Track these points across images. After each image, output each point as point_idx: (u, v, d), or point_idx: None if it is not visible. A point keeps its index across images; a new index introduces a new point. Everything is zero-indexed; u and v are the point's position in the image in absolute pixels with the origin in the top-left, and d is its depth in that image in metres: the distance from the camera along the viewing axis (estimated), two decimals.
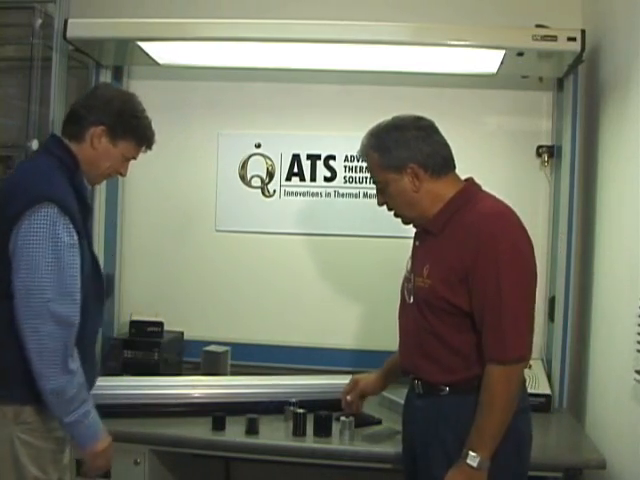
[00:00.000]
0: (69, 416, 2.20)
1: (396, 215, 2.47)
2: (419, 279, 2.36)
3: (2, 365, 2.22)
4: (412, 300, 2.40)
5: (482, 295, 2.22)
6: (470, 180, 2.46)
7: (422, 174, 2.35)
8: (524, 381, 2.37)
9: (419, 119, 2.42)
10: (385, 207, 2.47)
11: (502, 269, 2.21)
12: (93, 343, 2.45)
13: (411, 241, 2.50)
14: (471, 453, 2.18)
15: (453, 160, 2.43)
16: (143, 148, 2.48)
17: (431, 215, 2.38)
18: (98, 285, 2.42)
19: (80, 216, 2.28)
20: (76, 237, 2.21)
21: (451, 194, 2.38)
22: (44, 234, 2.15)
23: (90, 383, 2.40)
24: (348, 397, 2.72)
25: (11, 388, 2.22)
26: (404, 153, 2.35)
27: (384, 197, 2.44)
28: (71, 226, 2.20)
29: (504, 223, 2.29)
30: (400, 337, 2.49)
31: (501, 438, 2.21)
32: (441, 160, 2.39)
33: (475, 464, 2.18)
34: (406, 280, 2.47)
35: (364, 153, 2.45)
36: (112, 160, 2.42)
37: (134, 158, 2.49)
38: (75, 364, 2.19)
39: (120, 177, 2.60)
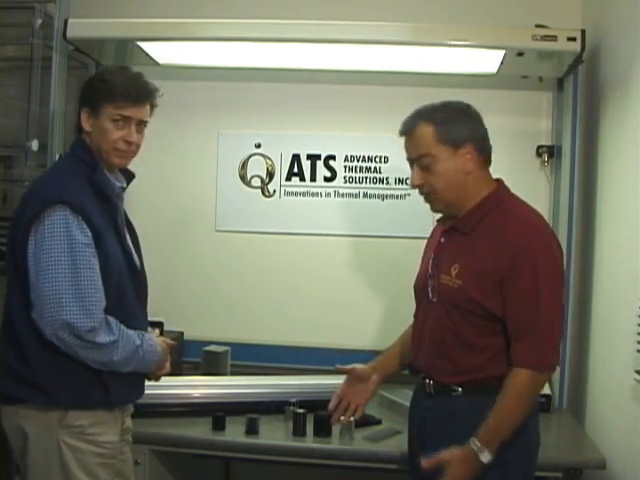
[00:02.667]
0: (128, 368, 2.28)
1: (428, 199, 2.38)
2: (446, 277, 2.31)
3: (43, 372, 2.21)
4: (436, 299, 2.35)
5: (519, 301, 2.21)
6: (501, 181, 2.42)
7: (477, 157, 2.31)
8: None
9: (470, 106, 2.37)
10: (417, 191, 2.39)
11: (540, 278, 2.20)
12: None
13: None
14: (485, 448, 2.18)
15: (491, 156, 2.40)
16: (122, 103, 2.33)
17: (468, 207, 2.33)
18: (137, 282, 2.40)
19: (103, 214, 2.28)
20: (91, 236, 2.21)
21: (487, 191, 2.34)
22: (59, 236, 2.16)
23: (140, 389, 2.45)
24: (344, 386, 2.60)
25: (54, 394, 2.22)
26: (465, 131, 2.30)
27: (424, 176, 2.32)
28: (85, 225, 2.20)
29: (542, 232, 2.28)
30: (415, 335, 2.45)
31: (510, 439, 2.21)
32: (489, 150, 2.38)
33: (486, 460, 2.18)
34: (428, 277, 2.39)
35: (413, 126, 2.33)
36: (103, 132, 2.33)
37: (123, 116, 2.33)
38: (107, 336, 2.19)
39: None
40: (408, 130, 2.35)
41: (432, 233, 2.56)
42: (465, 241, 2.32)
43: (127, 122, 2.35)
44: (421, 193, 2.39)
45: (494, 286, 2.22)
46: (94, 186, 2.30)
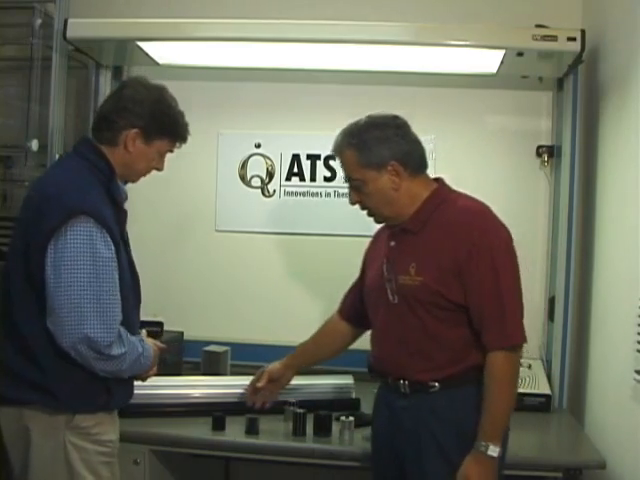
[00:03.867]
0: (129, 373, 2.33)
1: (369, 214, 2.48)
2: (405, 277, 2.36)
3: (55, 378, 2.23)
4: (397, 300, 2.39)
5: (480, 288, 2.27)
6: (441, 180, 2.50)
7: (402, 172, 2.38)
8: None
9: (396, 117, 2.44)
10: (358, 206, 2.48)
11: (498, 262, 2.28)
12: None
13: None
14: (491, 445, 2.22)
15: (426, 160, 2.47)
16: (177, 143, 2.48)
17: (408, 214, 2.40)
18: (136, 293, 2.44)
19: (117, 225, 2.29)
20: (114, 250, 2.22)
21: (427, 193, 2.42)
22: (82, 250, 2.16)
23: (131, 393, 2.49)
24: (259, 384, 2.84)
25: (65, 399, 2.24)
26: (385, 151, 2.36)
27: (359, 196, 2.44)
28: (108, 238, 2.21)
29: (491, 219, 2.37)
30: (377, 339, 2.50)
31: None
32: (418, 159, 2.44)
33: (495, 454, 2.22)
34: (385, 281, 2.43)
35: (339, 151, 2.44)
36: (148, 160, 2.42)
37: (171, 151, 2.49)
38: (120, 348, 2.22)
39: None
40: (336, 154, 2.47)
41: (375, 239, 2.65)
42: (416, 240, 2.39)
43: (167, 154, 2.48)
44: (361, 209, 2.48)
45: (454, 277, 2.29)
46: (110, 195, 2.31)
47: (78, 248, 2.15)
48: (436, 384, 2.33)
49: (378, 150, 2.36)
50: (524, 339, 2.31)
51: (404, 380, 2.38)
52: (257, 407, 2.87)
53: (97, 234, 2.17)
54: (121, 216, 2.39)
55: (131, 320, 2.34)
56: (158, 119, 2.37)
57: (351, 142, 2.39)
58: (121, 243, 2.31)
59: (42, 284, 2.16)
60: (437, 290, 2.30)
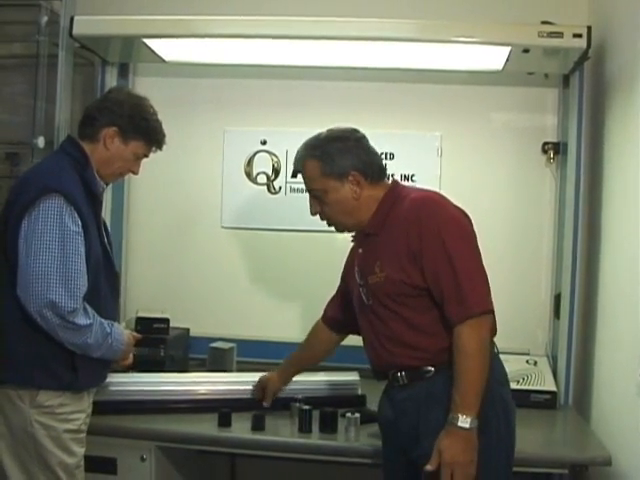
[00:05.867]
0: (98, 353, 2.42)
1: (329, 224, 2.57)
2: (373, 277, 2.44)
3: (15, 351, 2.35)
4: (370, 300, 2.46)
5: (434, 265, 2.32)
6: (394, 181, 2.60)
7: (363, 181, 2.48)
8: (495, 350, 2.45)
9: (355, 130, 2.54)
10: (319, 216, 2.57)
11: (445, 237, 2.32)
12: None
13: None
14: (460, 416, 2.22)
15: (386, 169, 2.58)
16: (153, 148, 2.62)
17: (367, 220, 2.49)
18: (111, 276, 2.56)
19: (89, 209, 2.44)
20: (81, 226, 2.36)
21: (381, 197, 2.49)
22: (52, 222, 2.31)
23: (102, 377, 2.61)
24: (265, 404, 2.95)
25: (24, 373, 2.34)
26: (347, 161, 2.46)
27: (319, 206, 2.53)
28: (76, 215, 2.35)
29: (437, 201, 2.43)
30: (367, 343, 2.55)
31: (484, 400, 2.25)
32: (378, 168, 2.53)
33: (467, 425, 2.22)
34: (359, 287, 2.52)
35: (302, 163, 2.53)
36: (124, 159, 2.57)
37: (146, 156, 2.63)
38: (85, 319, 2.33)
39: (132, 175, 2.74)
40: (298, 166, 2.56)
41: (350, 252, 2.71)
42: (378, 240, 2.46)
43: (142, 158, 2.64)
44: (322, 219, 2.58)
45: (411, 263, 2.35)
46: (84, 183, 2.46)
47: (47, 221, 2.31)
48: (431, 369, 2.37)
49: (340, 160, 2.46)
50: (486, 306, 2.31)
51: (401, 371, 2.42)
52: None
53: (66, 210, 2.33)
54: (96, 204, 2.52)
55: (102, 304, 2.46)
56: (136, 121, 2.54)
57: (314, 154, 2.49)
58: (93, 228, 2.44)
59: (15, 256, 2.31)
60: (400, 279, 2.36)
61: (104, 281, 2.49)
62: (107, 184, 2.63)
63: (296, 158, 2.57)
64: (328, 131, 2.54)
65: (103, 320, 2.42)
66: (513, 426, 2.42)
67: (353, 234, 2.61)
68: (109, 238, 2.65)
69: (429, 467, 2.23)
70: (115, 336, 2.46)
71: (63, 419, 2.39)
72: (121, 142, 2.53)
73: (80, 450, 2.46)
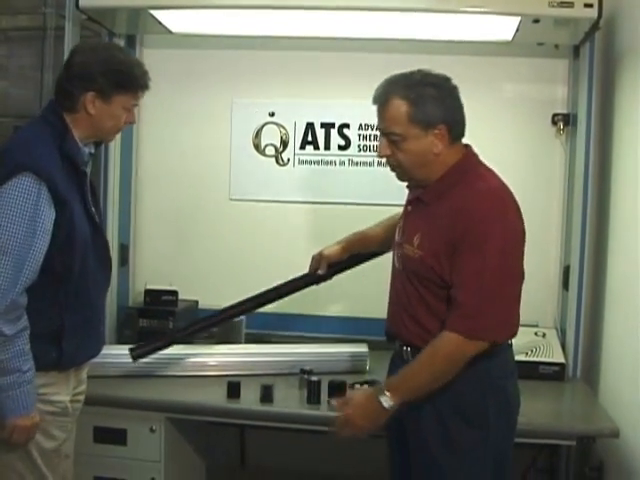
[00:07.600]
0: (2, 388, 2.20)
1: (393, 170, 2.40)
2: (409, 247, 2.34)
3: None
4: (401, 267, 2.40)
5: (463, 276, 2.21)
6: (469, 149, 2.40)
7: (447, 137, 2.29)
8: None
9: (448, 80, 2.33)
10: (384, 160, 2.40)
11: (487, 252, 2.18)
12: (97, 309, 2.45)
13: None
14: (387, 393, 2.22)
15: (465, 129, 2.39)
16: (140, 93, 2.43)
17: (431, 181, 2.34)
18: (99, 250, 2.42)
19: (70, 182, 2.29)
20: (53, 204, 2.20)
21: (451, 163, 2.33)
22: (20, 204, 2.16)
23: (94, 350, 2.47)
24: (320, 271, 2.89)
25: None
26: (439, 111, 2.27)
27: (392, 150, 2.32)
28: (48, 194, 2.19)
29: (499, 205, 2.26)
30: (390, 300, 2.50)
31: (483, 393, 2.26)
32: (462, 127, 2.36)
33: (386, 404, 2.21)
34: (397, 245, 2.44)
35: (387, 99, 2.30)
36: (114, 116, 2.38)
37: (135, 105, 2.44)
38: (13, 329, 2.16)
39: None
40: (381, 100, 2.33)
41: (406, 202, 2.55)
42: (427, 212, 2.34)
43: (134, 107, 2.44)
44: (388, 163, 2.39)
45: (447, 257, 2.24)
46: (63, 154, 2.30)
47: (15, 203, 2.15)
48: None
49: (433, 108, 2.26)
50: (490, 338, 2.22)
51: (407, 346, 2.38)
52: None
53: (35, 189, 2.17)
54: (77, 175, 2.35)
55: (90, 281, 2.35)
56: (111, 77, 2.33)
57: (407, 95, 2.26)
58: (76, 203, 2.30)
59: None
60: (431, 266, 2.26)
61: (92, 257, 2.35)
62: (107, 142, 2.48)
63: (380, 90, 2.33)
64: (421, 73, 2.30)
65: (31, 357, 2.21)
66: (514, 423, 2.38)
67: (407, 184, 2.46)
68: (98, 206, 2.51)
69: (334, 402, 2.38)
70: (25, 390, 2.20)
71: (45, 400, 2.29)
72: (103, 103, 2.33)
73: (61, 435, 2.36)
